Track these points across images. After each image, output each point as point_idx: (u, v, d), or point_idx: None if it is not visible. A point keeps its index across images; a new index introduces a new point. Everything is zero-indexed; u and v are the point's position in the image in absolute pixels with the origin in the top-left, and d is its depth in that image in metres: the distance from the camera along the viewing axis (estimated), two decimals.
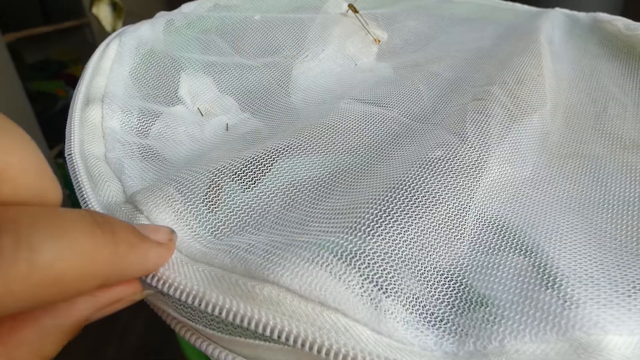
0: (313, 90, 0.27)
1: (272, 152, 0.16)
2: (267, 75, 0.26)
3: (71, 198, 1.84)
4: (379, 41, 0.30)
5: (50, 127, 1.70)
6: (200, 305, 0.10)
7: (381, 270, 0.11)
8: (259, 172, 0.15)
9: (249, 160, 0.16)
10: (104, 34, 2.33)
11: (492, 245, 0.13)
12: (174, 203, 0.13)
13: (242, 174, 0.15)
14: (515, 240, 0.13)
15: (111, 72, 0.21)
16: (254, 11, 0.30)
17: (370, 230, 0.12)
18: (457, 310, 0.11)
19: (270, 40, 0.27)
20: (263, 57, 0.26)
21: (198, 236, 0.13)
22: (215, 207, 0.14)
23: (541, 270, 0.12)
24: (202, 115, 0.23)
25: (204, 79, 0.24)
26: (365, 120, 0.20)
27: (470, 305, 0.11)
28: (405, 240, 0.12)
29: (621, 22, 0.27)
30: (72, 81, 1.88)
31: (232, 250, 0.12)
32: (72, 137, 0.17)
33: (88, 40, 2.12)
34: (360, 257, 0.11)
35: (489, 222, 0.14)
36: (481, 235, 0.13)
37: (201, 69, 0.25)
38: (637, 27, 0.26)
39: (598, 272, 0.12)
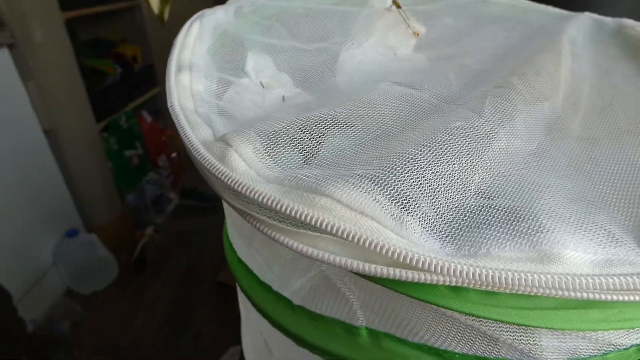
0: (356, 73, 0.31)
1: (326, 117, 0.21)
2: (317, 58, 0.30)
3: (113, 171, 1.95)
4: (418, 34, 0.34)
5: (99, 102, 1.82)
6: (276, 206, 0.15)
7: (405, 196, 0.15)
8: (315, 130, 0.20)
9: (308, 119, 0.20)
10: (152, 16, 2.42)
11: (492, 192, 0.17)
12: (254, 142, 0.18)
13: (302, 129, 0.20)
14: (511, 190, 0.17)
15: (193, 47, 0.26)
16: (310, 2, 0.34)
17: (399, 168, 0.16)
18: (458, 230, 0.15)
19: (321, 28, 0.32)
20: (315, 43, 0.31)
21: (270, 167, 0.17)
22: (283, 149, 0.18)
23: (526, 210, 0.15)
24: (263, 87, 0.27)
25: (265, 57, 0.29)
26: (401, 99, 0.24)
27: (468, 227, 0.15)
28: (424, 178, 0.16)
29: None
30: (120, 60, 1.99)
31: (296, 177, 0.16)
32: (171, 94, 0.22)
33: (136, 21, 2.23)
34: (390, 184, 0.15)
35: (493, 176, 0.18)
36: (485, 185, 0.17)
37: (263, 49, 0.29)
38: None
39: (570, 214, 0.15)
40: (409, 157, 0.17)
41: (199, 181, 2.27)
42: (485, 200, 0.17)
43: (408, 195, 0.15)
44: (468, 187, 0.17)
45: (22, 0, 1.47)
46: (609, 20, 0.33)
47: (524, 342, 0.16)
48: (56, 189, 1.50)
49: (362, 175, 0.16)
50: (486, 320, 0.15)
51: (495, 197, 0.17)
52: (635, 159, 0.19)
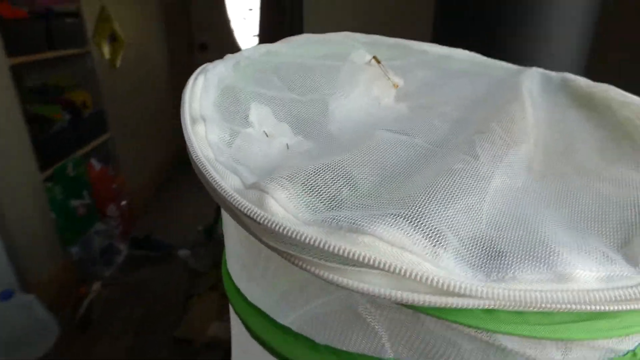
0: (348, 121, 0.34)
1: (338, 164, 0.23)
2: (312, 108, 0.32)
3: (57, 223, 1.81)
4: (397, 86, 0.38)
5: (44, 150, 1.72)
6: (323, 246, 0.16)
7: (435, 231, 0.17)
8: (333, 176, 0.22)
9: (324, 166, 0.22)
10: (103, 62, 2.38)
11: (500, 223, 0.19)
12: (288, 188, 0.19)
13: (322, 176, 0.21)
14: (513, 222, 0.20)
15: (201, 100, 0.28)
16: (297, 57, 0.37)
17: (425, 206, 0.18)
18: (483, 259, 0.17)
19: (312, 81, 0.34)
20: (308, 94, 0.33)
21: (303, 212, 0.19)
22: (311, 194, 0.20)
23: (535, 237, 0.18)
24: (267, 136, 0.29)
25: (264, 108, 0.31)
26: (398, 145, 0.27)
27: (490, 257, 0.17)
28: (447, 215, 0.18)
29: (582, 81, 0.36)
30: (69, 106, 1.92)
31: (334, 218, 0.18)
32: (192, 144, 0.23)
33: (87, 67, 2.18)
34: (421, 222, 0.17)
35: (496, 211, 0.20)
36: (493, 218, 0.20)
37: (263, 100, 0.31)
38: (594, 85, 0.34)
39: (568, 239, 0.18)
40: (429, 197, 0.19)
41: (152, 230, 2.17)
42: (496, 231, 0.19)
43: (438, 231, 0.17)
44: (482, 220, 0.19)
45: None
46: (553, 74, 0.39)
47: (540, 354, 0.18)
48: None
49: (395, 215, 0.17)
50: (513, 336, 0.17)
51: (503, 228, 0.19)
52: (603, 191, 0.23)
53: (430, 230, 0.17)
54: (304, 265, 0.17)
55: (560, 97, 0.35)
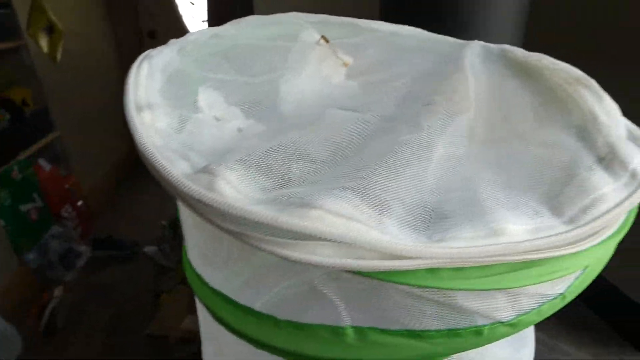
0: (300, 101, 0.34)
1: (289, 143, 0.23)
2: (263, 90, 0.32)
3: (8, 230, 1.71)
4: (348, 64, 0.38)
5: None
6: (274, 223, 0.17)
7: (380, 201, 0.18)
8: (285, 155, 0.22)
9: (276, 147, 0.22)
10: (42, 56, 2.23)
11: (443, 189, 0.21)
12: (238, 170, 0.19)
13: (273, 155, 0.22)
14: (456, 186, 0.21)
15: (146, 86, 0.27)
16: (246, 39, 0.37)
17: (371, 178, 0.19)
18: (426, 223, 0.18)
19: (262, 62, 0.34)
20: (260, 76, 0.33)
21: (255, 191, 0.19)
22: (262, 174, 0.20)
23: (473, 199, 0.19)
24: (217, 120, 0.29)
25: (214, 92, 0.31)
26: (349, 122, 0.27)
27: (433, 219, 0.19)
28: (392, 185, 0.19)
29: (519, 51, 0.38)
30: (8, 105, 1.78)
31: (284, 196, 0.18)
32: (139, 133, 0.22)
33: (24, 62, 2.03)
34: (367, 193, 0.18)
35: (440, 177, 0.22)
36: (436, 184, 0.21)
37: (212, 84, 0.31)
38: (529, 55, 0.36)
39: (503, 198, 0.20)
40: (376, 169, 0.20)
41: (114, 229, 2.09)
42: (439, 196, 0.20)
43: (383, 200, 0.18)
44: (425, 187, 0.20)
45: None
46: (493, 46, 0.41)
47: (485, 306, 0.19)
48: None
49: (343, 187, 0.18)
50: (456, 291, 0.19)
51: (445, 192, 0.21)
52: (537, 152, 0.25)
53: (376, 200, 0.18)
54: (257, 244, 0.17)
55: (499, 67, 0.37)
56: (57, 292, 1.69)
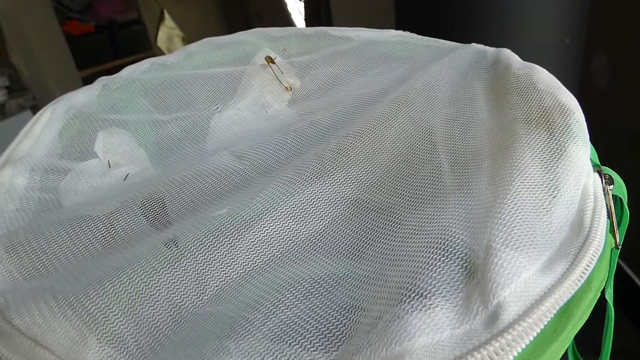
0: (224, 137, 0.30)
1: (129, 202, 0.20)
2: (176, 128, 0.30)
3: None
4: (291, 89, 0.33)
5: None
6: None
7: (94, 311, 0.14)
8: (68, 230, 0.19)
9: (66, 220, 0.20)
10: None
11: (221, 298, 0.15)
12: None
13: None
14: (239, 300, 0.15)
15: (40, 135, 0.27)
16: (187, 68, 0.35)
17: (97, 279, 0.15)
18: (149, 351, 0.14)
19: (185, 96, 0.32)
20: (175, 112, 0.31)
21: (4, 279, 0.17)
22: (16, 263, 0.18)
23: (235, 323, 0.14)
24: (109, 166, 0.28)
25: (120, 134, 0.29)
26: (214, 175, 0.23)
27: (162, 347, 0.14)
28: (124, 291, 0.15)
29: (513, 60, 0.27)
30: None
31: (8, 292, 0.16)
32: None
33: None
34: (81, 299, 0.14)
35: (239, 275, 0.16)
36: (221, 288, 0.16)
37: (119, 125, 0.29)
38: (524, 66, 0.26)
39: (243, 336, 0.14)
40: (130, 265, 0.16)
41: None
42: (212, 307, 0.15)
43: (96, 313, 0.14)
44: (199, 293, 0.16)
45: (41, 65, 1.60)
46: (490, 51, 0.30)
47: None
48: None
49: (56, 291, 0.15)
50: None
51: (223, 303, 0.15)
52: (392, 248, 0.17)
53: (81, 314, 0.14)
54: None
55: (477, 85, 0.27)
56: None
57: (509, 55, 0.28)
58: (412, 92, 0.26)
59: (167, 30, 2.28)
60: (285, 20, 3.07)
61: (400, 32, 0.37)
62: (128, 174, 0.27)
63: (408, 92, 0.26)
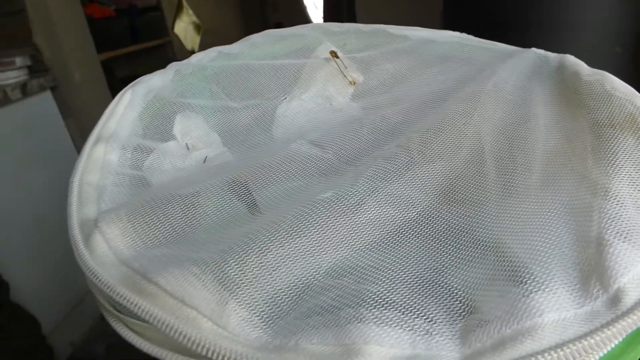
0: (291, 127, 0.32)
1: (208, 188, 0.22)
2: (247, 115, 0.31)
3: None
4: (354, 83, 0.34)
5: None
6: (111, 294, 0.16)
7: (233, 279, 0.16)
8: (187, 204, 0.21)
9: (182, 194, 0.21)
10: (184, 51, 2.56)
11: (339, 272, 0.17)
12: (123, 221, 0.19)
13: (174, 204, 0.20)
14: (346, 273, 0.17)
15: (123, 115, 0.28)
16: (252, 58, 0.36)
17: (234, 251, 0.16)
18: (281, 316, 0.15)
19: (255, 85, 0.33)
20: (246, 100, 0.32)
21: (132, 247, 0.18)
22: (151, 227, 0.19)
23: (354, 295, 0.15)
24: (188, 149, 0.29)
25: (195, 118, 0.31)
26: (304, 161, 0.24)
27: (290, 314, 0.15)
28: (258, 262, 0.16)
29: (582, 67, 0.28)
30: None
31: (144, 258, 0.17)
32: (76, 168, 0.23)
33: (169, 56, 2.37)
34: (219, 268, 0.16)
35: (352, 251, 0.18)
36: (337, 263, 0.17)
37: (195, 110, 0.31)
38: (591, 74, 0.27)
39: (398, 299, 0.15)
40: (252, 239, 0.17)
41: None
42: (332, 280, 0.17)
43: (232, 281, 0.16)
44: (316, 267, 0.17)
45: (63, 47, 1.60)
46: (552, 57, 0.31)
47: None
48: None
49: (194, 259, 0.16)
50: None
51: (342, 276, 0.17)
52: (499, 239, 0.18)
53: (222, 280, 0.16)
54: (103, 313, 0.17)
55: (544, 91, 0.28)
56: None
57: (576, 62, 0.29)
58: (483, 92, 0.27)
59: (185, 18, 2.28)
60: (301, 13, 3.07)
61: (456, 34, 0.38)
62: (207, 157, 0.28)
63: (479, 92, 0.27)
